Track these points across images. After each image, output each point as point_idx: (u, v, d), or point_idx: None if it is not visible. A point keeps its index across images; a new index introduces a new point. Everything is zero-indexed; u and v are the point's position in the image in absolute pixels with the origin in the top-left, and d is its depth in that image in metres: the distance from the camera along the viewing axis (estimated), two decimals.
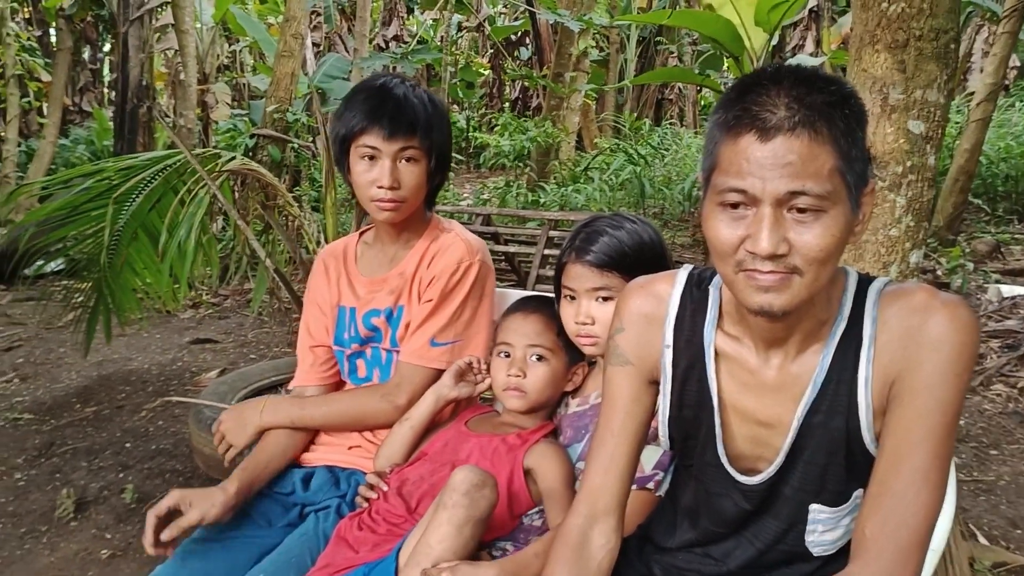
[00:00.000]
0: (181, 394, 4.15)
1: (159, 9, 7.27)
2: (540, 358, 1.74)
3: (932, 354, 1.13)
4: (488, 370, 1.81)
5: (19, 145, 12.79)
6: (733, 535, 1.38)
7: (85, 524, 3.05)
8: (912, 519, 1.13)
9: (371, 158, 1.78)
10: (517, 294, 2.10)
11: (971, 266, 6.01)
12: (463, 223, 4.67)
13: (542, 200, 7.17)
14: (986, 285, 5.85)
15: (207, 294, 6.09)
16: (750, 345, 1.26)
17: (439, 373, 1.82)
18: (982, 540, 2.91)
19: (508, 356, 1.76)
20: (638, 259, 1.64)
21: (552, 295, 1.82)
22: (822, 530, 1.30)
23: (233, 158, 3.30)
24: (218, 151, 3.36)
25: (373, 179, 1.78)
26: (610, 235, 1.66)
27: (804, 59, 7.93)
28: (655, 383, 1.37)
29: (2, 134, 10.68)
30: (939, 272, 6.14)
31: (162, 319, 5.59)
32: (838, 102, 1.06)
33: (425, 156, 1.80)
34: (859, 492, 1.25)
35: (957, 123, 7.94)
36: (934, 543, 1.28)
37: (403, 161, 1.79)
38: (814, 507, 1.28)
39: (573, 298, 1.69)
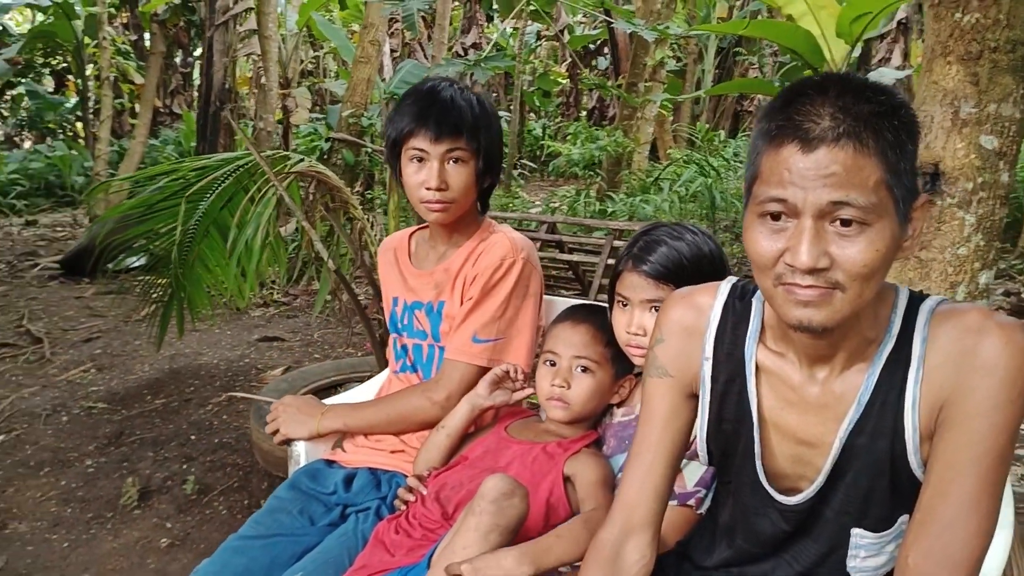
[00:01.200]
0: (246, 390, 4.24)
1: (244, 15, 7.47)
2: (585, 369, 1.72)
3: (984, 379, 1.08)
4: (526, 379, 1.80)
5: (112, 145, 13.32)
6: (771, 556, 1.34)
7: (147, 513, 3.14)
8: (958, 550, 1.08)
9: (420, 160, 1.81)
10: (570, 303, 2.08)
11: None
12: (529, 231, 4.67)
13: (610, 209, 7.12)
14: None
15: (278, 293, 6.22)
16: (793, 361, 1.22)
17: (481, 370, 1.83)
18: None
19: (554, 365, 1.74)
20: (696, 272, 1.60)
21: (605, 304, 1.81)
22: (864, 555, 1.25)
23: (301, 160, 3.36)
24: (288, 153, 3.43)
25: (422, 181, 1.81)
26: (669, 246, 1.63)
27: (888, 72, 7.71)
28: (694, 396, 1.34)
29: (96, 133, 11.10)
30: None
31: (233, 316, 5.73)
32: (887, 112, 1.02)
33: (473, 157, 1.82)
34: (904, 518, 1.20)
35: None
36: (993, 569, 1.22)
37: (451, 163, 1.81)
38: (856, 531, 1.23)
39: (626, 306, 1.66)
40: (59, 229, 9.69)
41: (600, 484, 1.58)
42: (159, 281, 3.63)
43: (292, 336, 5.34)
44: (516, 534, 1.42)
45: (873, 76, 7.61)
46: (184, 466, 3.47)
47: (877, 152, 1.00)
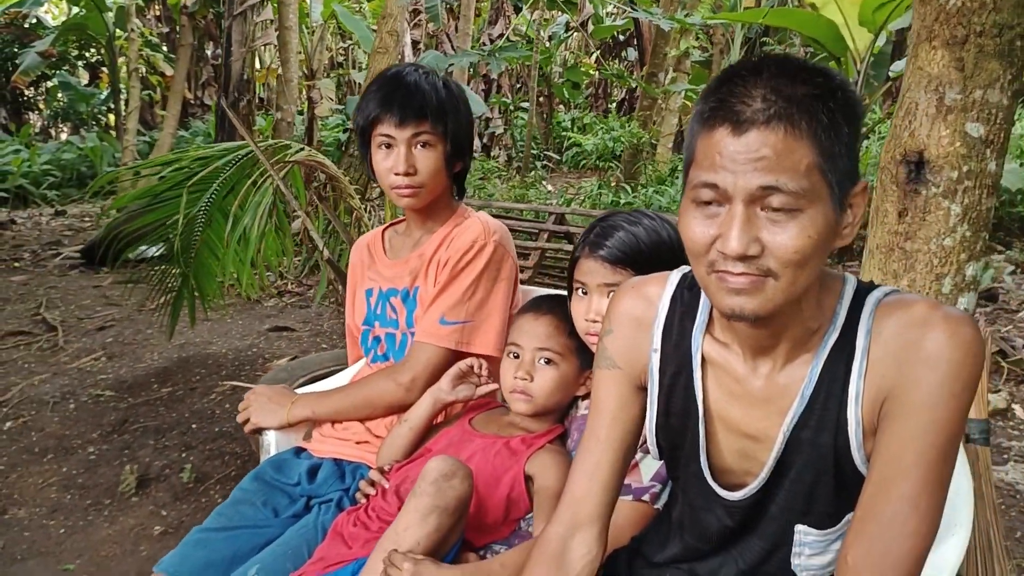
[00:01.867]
0: (252, 379, 4.25)
1: (261, 4, 7.49)
2: (548, 361, 1.69)
3: (928, 372, 1.04)
4: (490, 374, 1.76)
5: (142, 136, 13.48)
6: (719, 552, 1.30)
7: (144, 500, 3.16)
8: (898, 548, 1.04)
9: (388, 146, 1.80)
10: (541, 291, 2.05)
11: None
12: (535, 221, 4.64)
13: (623, 201, 7.05)
14: None
15: (292, 283, 6.24)
16: (738, 352, 1.18)
17: (449, 353, 1.81)
18: None
19: (517, 357, 1.71)
20: (653, 257, 1.57)
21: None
22: (809, 553, 1.21)
23: (301, 149, 3.36)
24: (287, 143, 3.43)
25: (390, 167, 1.80)
26: (626, 230, 1.60)
27: None
28: (644, 389, 1.30)
29: (125, 125, 11.23)
30: None
31: (246, 306, 5.76)
32: (823, 95, 0.98)
33: (440, 141, 1.80)
34: (850, 516, 1.15)
35: None
36: (945, 571, 1.18)
37: (418, 147, 1.79)
38: (800, 528, 1.20)
39: (585, 293, 1.63)
40: (86, 219, 9.84)
41: (556, 499, 1.55)
42: (172, 271, 3.66)
43: (302, 326, 5.36)
44: (459, 515, 1.41)
45: (896, 66, 7.46)
46: (183, 454, 3.49)
47: (810, 135, 0.96)
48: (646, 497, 1.49)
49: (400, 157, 1.77)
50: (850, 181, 1.02)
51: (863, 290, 1.13)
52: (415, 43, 11.33)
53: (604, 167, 8.46)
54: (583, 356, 1.70)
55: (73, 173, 12.90)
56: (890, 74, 7.36)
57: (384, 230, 2.06)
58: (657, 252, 1.58)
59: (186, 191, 3.39)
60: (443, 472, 1.38)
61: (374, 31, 9.22)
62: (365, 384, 1.88)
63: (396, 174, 1.78)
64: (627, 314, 1.30)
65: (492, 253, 1.82)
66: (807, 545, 1.20)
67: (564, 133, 14.41)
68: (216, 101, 7.44)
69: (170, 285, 3.65)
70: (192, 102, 16.75)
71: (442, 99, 1.79)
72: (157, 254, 4.14)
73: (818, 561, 1.21)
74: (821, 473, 1.14)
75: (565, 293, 1.87)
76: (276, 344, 4.98)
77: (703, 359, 1.23)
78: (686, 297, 1.26)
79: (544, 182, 10.11)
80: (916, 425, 1.04)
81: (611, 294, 1.58)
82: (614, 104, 17.05)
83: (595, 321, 1.58)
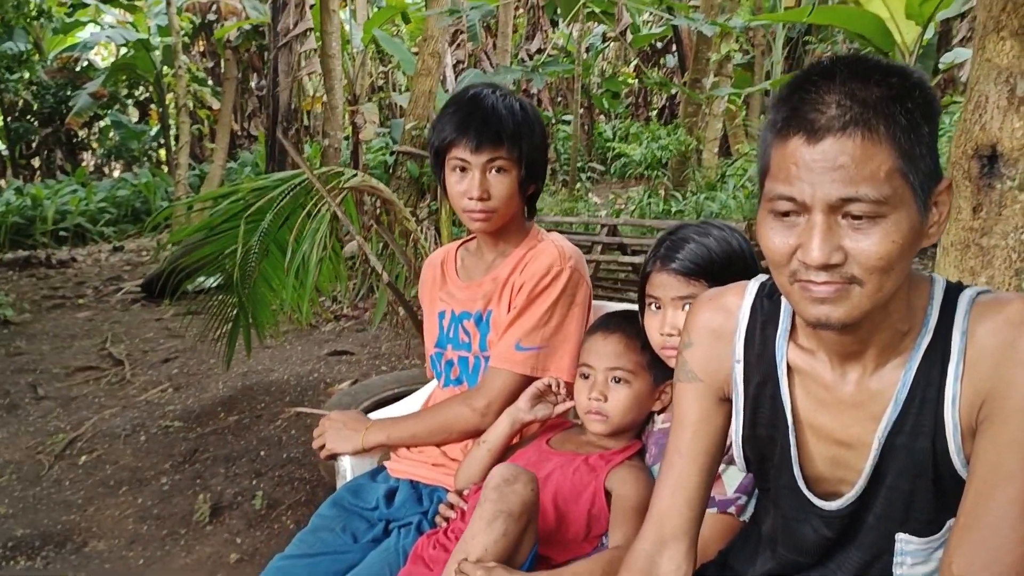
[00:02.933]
0: (314, 404, 4.30)
1: (304, 34, 7.62)
2: (620, 380, 1.67)
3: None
4: (568, 392, 1.76)
5: (192, 169, 13.79)
6: (816, 565, 1.27)
7: (219, 528, 3.20)
8: (1006, 556, 1.01)
9: (462, 170, 1.80)
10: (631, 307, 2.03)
11: None
12: (591, 235, 4.62)
13: (674, 209, 7.00)
14: None
15: (347, 308, 6.31)
16: (824, 359, 1.16)
17: (523, 378, 1.80)
18: None
19: (588, 378, 1.70)
20: (726, 267, 1.56)
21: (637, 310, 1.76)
22: (911, 563, 1.17)
23: (354, 175, 3.40)
24: (341, 169, 3.47)
25: (464, 190, 1.79)
26: (696, 242, 1.59)
27: (964, 52, 7.40)
28: (727, 400, 1.28)
29: (176, 159, 11.51)
30: None
31: (304, 332, 5.84)
32: (900, 95, 0.95)
33: (515, 166, 1.80)
34: (952, 522, 1.12)
35: None
36: None
37: (492, 172, 1.79)
38: (901, 536, 1.16)
39: (658, 308, 1.61)
40: (144, 254, 10.07)
41: (633, 510, 1.54)
42: (228, 301, 3.72)
43: (360, 350, 5.41)
44: (527, 520, 1.41)
45: (947, 57, 7.33)
46: (254, 481, 3.54)
47: (889, 138, 0.94)
48: (731, 509, 1.47)
49: (475, 182, 1.77)
50: (933, 180, 0.99)
51: (953, 290, 1.10)
52: (457, 63, 11.41)
53: (650, 175, 8.41)
54: (656, 371, 1.69)
55: (128, 209, 13.25)
56: (940, 66, 7.22)
57: (457, 248, 2.06)
58: (729, 262, 1.57)
59: (243, 221, 3.45)
60: (505, 477, 1.39)
61: (415, 53, 9.33)
62: (440, 409, 1.88)
63: (470, 198, 1.78)
64: (706, 326, 1.29)
65: (568, 279, 1.81)
66: (909, 554, 1.17)
67: (608, 144, 14.37)
68: (267, 131, 7.54)
69: (228, 315, 3.71)
70: (239, 133, 17.10)
71: (518, 123, 1.78)
72: (214, 284, 4.23)
73: (921, 570, 1.18)
74: (919, 479, 1.11)
75: (631, 308, 1.87)
76: (336, 368, 5.03)
77: (789, 367, 1.21)
78: (766, 306, 1.24)
79: (590, 194, 10.09)
80: (1017, 427, 1.01)
81: (685, 307, 1.57)
82: (655, 112, 16.99)
83: (671, 335, 1.57)
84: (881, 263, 0.96)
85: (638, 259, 4.47)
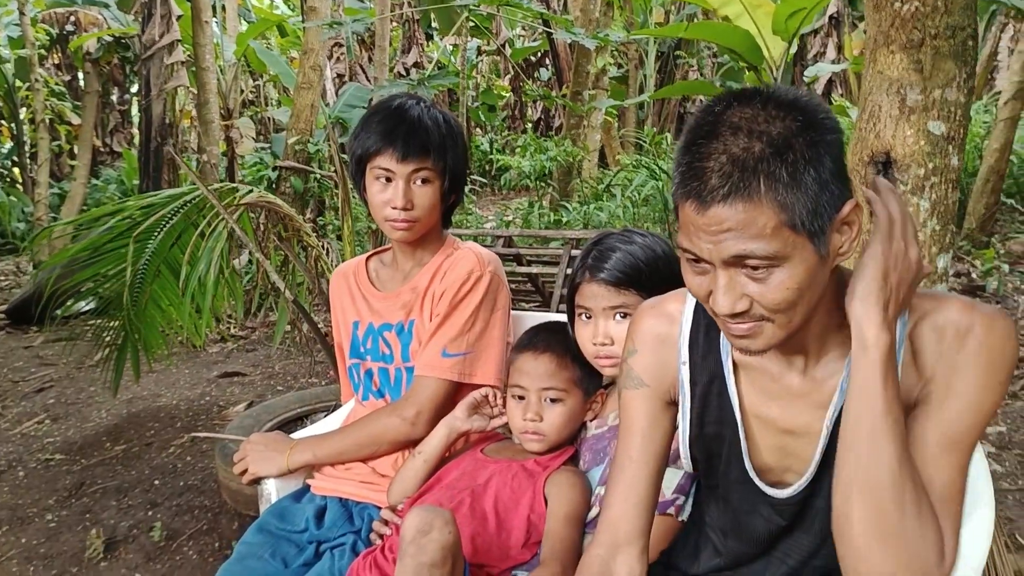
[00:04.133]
0: (209, 428, 4.14)
1: (172, 46, 7.32)
2: (555, 400, 1.69)
3: (970, 358, 1.09)
4: (504, 404, 1.76)
5: (52, 188, 13.02)
6: (763, 555, 1.33)
7: (115, 564, 3.03)
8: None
9: (386, 179, 1.79)
10: (535, 317, 2.06)
11: (1007, 268, 5.86)
12: (486, 246, 4.64)
13: (564, 219, 7.13)
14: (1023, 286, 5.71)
15: (235, 327, 6.10)
16: (770, 354, 1.21)
17: (451, 385, 1.80)
18: None
19: (522, 399, 1.71)
20: (653, 273, 1.60)
21: (564, 320, 1.78)
22: None
23: (250, 191, 3.31)
24: (235, 185, 3.37)
25: (387, 200, 1.79)
26: (623, 251, 1.63)
27: (825, 67, 7.85)
28: (673, 404, 1.33)
29: (35, 178, 10.85)
30: (974, 275, 5.99)
31: (190, 354, 5.61)
32: (781, 148, 0.98)
33: (439, 177, 1.81)
34: None
35: (986, 123, 7.79)
36: (974, 560, 1.22)
37: (417, 182, 1.79)
38: None
39: (589, 318, 1.64)
40: (2, 278, 9.43)
41: (567, 520, 1.55)
42: (111, 324, 3.54)
43: (253, 370, 5.24)
44: (450, 563, 1.34)
45: (810, 71, 7.76)
46: (150, 512, 3.37)
47: (770, 199, 0.98)
48: (670, 510, 1.51)
49: (399, 192, 1.77)
50: (832, 210, 1.02)
51: None
52: (337, 76, 11.26)
53: (535, 187, 8.53)
54: (588, 383, 1.72)
55: None
56: (805, 79, 7.64)
57: (368, 259, 2.04)
58: (655, 267, 1.62)
59: (132, 241, 3.30)
60: (419, 528, 1.32)
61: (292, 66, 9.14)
62: (367, 422, 1.85)
63: (393, 207, 1.78)
64: (650, 332, 1.33)
65: (489, 284, 1.83)
66: None
67: (487, 156, 14.48)
68: (140, 146, 7.22)
69: (109, 340, 3.53)
70: (101, 150, 16.28)
71: (443, 135, 1.79)
72: (87, 309, 4.00)
73: None
74: None
75: (555, 319, 1.89)
76: (229, 391, 4.85)
77: (735, 364, 1.26)
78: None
79: (472, 206, 10.13)
80: (951, 409, 1.09)
81: (616, 315, 1.60)
82: (530, 124, 17.22)
83: (604, 344, 1.60)
84: (784, 305, 1.03)
85: (534, 269, 4.52)
